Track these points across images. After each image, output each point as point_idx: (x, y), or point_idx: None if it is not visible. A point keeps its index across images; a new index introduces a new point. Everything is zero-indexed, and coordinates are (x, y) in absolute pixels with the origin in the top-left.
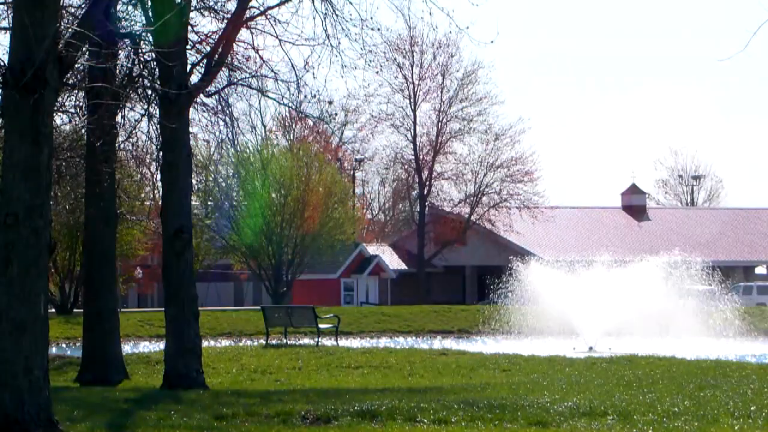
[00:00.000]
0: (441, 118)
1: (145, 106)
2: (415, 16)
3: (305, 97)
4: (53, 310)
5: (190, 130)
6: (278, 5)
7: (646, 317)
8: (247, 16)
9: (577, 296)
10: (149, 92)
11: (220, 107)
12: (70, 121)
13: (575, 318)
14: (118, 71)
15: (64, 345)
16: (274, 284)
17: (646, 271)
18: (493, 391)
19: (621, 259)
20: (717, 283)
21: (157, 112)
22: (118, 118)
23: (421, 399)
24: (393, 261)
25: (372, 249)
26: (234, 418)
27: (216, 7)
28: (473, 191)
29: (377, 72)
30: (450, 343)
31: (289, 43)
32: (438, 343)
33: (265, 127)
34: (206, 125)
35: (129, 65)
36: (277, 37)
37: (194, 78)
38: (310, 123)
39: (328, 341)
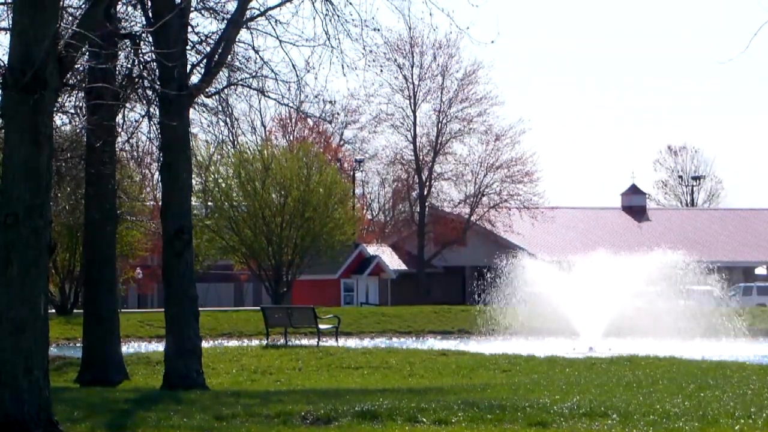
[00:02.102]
0: (441, 119)
1: (146, 107)
2: (415, 17)
3: (306, 97)
4: (53, 310)
5: (190, 130)
6: (278, 6)
7: (644, 318)
8: (247, 16)
9: (572, 296)
10: (149, 93)
11: (220, 107)
12: (70, 122)
13: (572, 317)
14: (118, 72)
15: (64, 345)
16: (274, 285)
17: (645, 271)
18: (494, 391)
19: (620, 259)
20: (717, 283)
21: (158, 112)
22: (119, 119)
23: (421, 399)
24: (393, 261)
25: (372, 249)
26: (234, 418)
27: (216, 8)
28: (473, 192)
29: (378, 73)
30: (450, 344)
31: (290, 43)
32: (438, 344)
33: (265, 127)
34: (206, 125)
35: (129, 66)
36: (277, 38)
37: (194, 78)
38: (310, 123)
39: (328, 342)
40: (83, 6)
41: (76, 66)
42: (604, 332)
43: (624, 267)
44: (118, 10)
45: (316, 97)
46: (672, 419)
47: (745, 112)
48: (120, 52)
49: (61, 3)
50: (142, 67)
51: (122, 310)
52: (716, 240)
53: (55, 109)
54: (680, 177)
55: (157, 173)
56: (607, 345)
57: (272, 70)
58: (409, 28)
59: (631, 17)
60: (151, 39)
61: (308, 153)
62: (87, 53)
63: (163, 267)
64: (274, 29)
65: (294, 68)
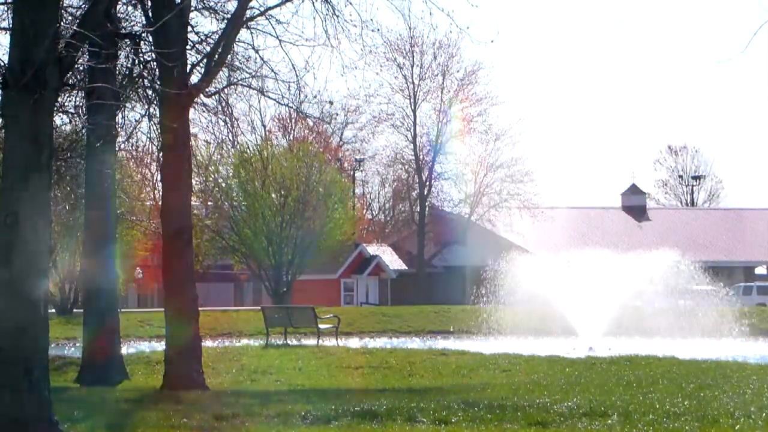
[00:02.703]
0: (441, 118)
1: (146, 107)
2: (416, 17)
3: (305, 97)
4: (53, 310)
5: (190, 130)
6: (278, 5)
7: (644, 317)
8: (247, 16)
9: (572, 295)
10: (149, 92)
11: (220, 107)
12: (70, 122)
13: (572, 317)
14: (118, 72)
15: (64, 345)
16: (274, 284)
17: (644, 270)
18: (493, 391)
19: (620, 259)
20: (716, 283)
21: (158, 112)
22: (119, 119)
23: (421, 399)
24: (393, 261)
25: (372, 249)
26: (234, 418)
27: (216, 7)
28: (473, 191)
29: (377, 72)
30: (450, 344)
31: (290, 43)
32: (438, 344)
33: (265, 127)
34: (206, 125)
35: (129, 66)
36: (277, 38)
37: (194, 78)
38: (310, 123)
39: (328, 341)
40: (83, 6)
41: (76, 66)
42: (604, 332)
43: (624, 266)
44: (118, 10)
45: (315, 97)
46: (672, 419)
47: (745, 112)
48: (120, 52)
49: (61, 3)
50: (142, 67)
51: (122, 310)
52: (716, 240)
53: (55, 109)
54: (680, 177)
55: (157, 173)
56: (607, 345)
57: (272, 70)
58: (409, 28)
59: (631, 17)
60: (151, 39)
61: (308, 153)
62: (87, 53)
63: (162, 267)
64: (274, 29)
65: (294, 68)
